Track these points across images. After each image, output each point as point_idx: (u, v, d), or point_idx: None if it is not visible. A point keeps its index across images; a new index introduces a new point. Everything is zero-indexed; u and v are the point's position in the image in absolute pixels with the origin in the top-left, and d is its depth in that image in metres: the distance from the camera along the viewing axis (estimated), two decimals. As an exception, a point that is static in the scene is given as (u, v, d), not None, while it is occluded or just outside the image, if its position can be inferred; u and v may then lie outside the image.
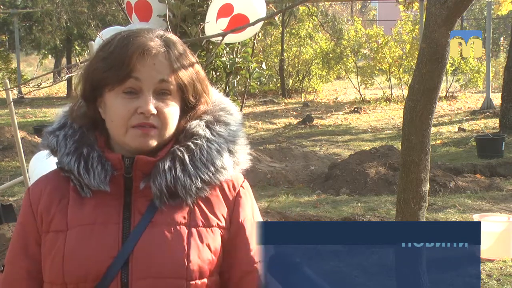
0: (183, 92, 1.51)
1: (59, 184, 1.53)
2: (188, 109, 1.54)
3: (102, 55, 1.49)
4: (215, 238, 1.51)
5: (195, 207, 1.51)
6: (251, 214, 1.58)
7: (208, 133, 1.53)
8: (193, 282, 1.46)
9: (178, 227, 1.48)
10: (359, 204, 7.61)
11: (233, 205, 1.55)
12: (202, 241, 1.48)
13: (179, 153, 1.50)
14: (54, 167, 1.57)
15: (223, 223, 1.53)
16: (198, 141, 1.51)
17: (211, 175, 1.51)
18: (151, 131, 1.46)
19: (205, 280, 1.49)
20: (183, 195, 1.48)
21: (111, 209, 1.49)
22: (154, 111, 1.46)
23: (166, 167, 1.48)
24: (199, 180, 1.49)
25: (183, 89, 1.51)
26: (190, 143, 1.51)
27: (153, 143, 1.48)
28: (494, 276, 5.29)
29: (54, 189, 1.53)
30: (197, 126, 1.53)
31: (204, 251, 1.48)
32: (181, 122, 1.53)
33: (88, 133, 1.53)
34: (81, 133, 1.53)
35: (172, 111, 1.49)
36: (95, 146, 1.51)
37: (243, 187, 1.59)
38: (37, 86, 3.68)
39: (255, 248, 1.55)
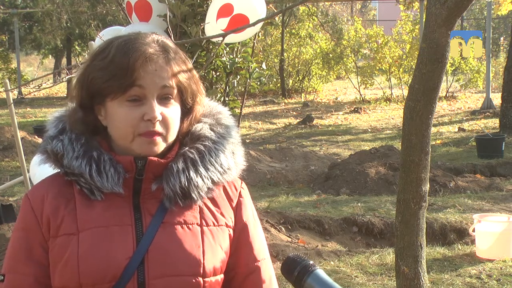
0: (182, 94, 1.54)
1: (62, 188, 1.53)
2: (186, 111, 1.56)
3: (99, 64, 1.48)
4: (224, 237, 1.55)
5: (204, 207, 1.54)
6: (252, 214, 1.63)
7: (213, 135, 1.57)
8: (208, 279, 1.49)
9: (190, 226, 1.51)
10: (359, 204, 7.61)
11: (237, 206, 1.60)
12: (214, 240, 1.52)
13: (190, 154, 1.53)
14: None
15: (230, 223, 1.57)
16: (206, 143, 1.55)
17: (219, 175, 1.55)
18: (157, 138, 1.48)
19: (218, 277, 1.52)
20: (195, 195, 1.51)
21: (122, 211, 1.50)
22: (160, 117, 1.47)
23: (180, 168, 1.51)
24: (210, 180, 1.53)
25: (182, 92, 1.53)
26: (199, 145, 1.54)
27: (159, 149, 1.50)
28: (494, 276, 5.28)
29: (58, 193, 1.52)
30: (203, 129, 1.56)
31: (217, 249, 1.52)
32: (183, 124, 1.55)
33: (91, 138, 1.54)
34: (86, 137, 1.54)
35: (175, 115, 1.51)
36: (102, 149, 1.52)
37: (243, 188, 1.64)
38: (37, 87, 3.69)
39: (258, 247, 1.60)
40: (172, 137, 1.51)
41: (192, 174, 1.51)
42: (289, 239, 6.36)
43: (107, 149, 1.53)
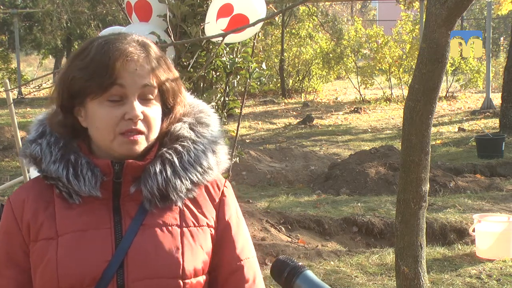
0: (163, 94, 1.53)
1: (42, 192, 1.52)
2: (167, 111, 1.55)
3: (79, 64, 1.47)
4: (206, 237, 1.53)
5: (184, 208, 1.53)
6: (236, 213, 1.61)
7: (193, 135, 1.55)
8: (188, 281, 1.48)
9: (170, 228, 1.50)
10: (359, 204, 7.61)
11: (219, 205, 1.58)
12: (194, 241, 1.51)
13: (168, 155, 1.51)
14: None
15: (211, 223, 1.55)
16: (185, 143, 1.54)
17: (199, 176, 1.53)
18: (138, 138, 1.47)
19: (199, 278, 1.51)
20: (173, 196, 1.50)
21: (101, 214, 1.49)
22: (141, 116, 1.46)
23: (157, 170, 1.49)
24: (188, 181, 1.51)
25: (163, 92, 1.52)
26: (177, 146, 1.53)
27: (140, 148, 1.49)
28: (494, 276, 5.29)
29: (38, 197, 1.52)
30: (182, 128, 1.55)
31: (197, 250, 1.50)
32: (163, 124, 1.54)
33: (70, 141, 1.53)
34: (65, 140, 1.53)
35: (156, 114, 1.51)
36: (80, 153, 1.51)
37: (226, 187, 1.61)
38: (37, 87, 3.70)
39: (241, 246, 1.58)
40: (153, 136, 1.51)
41: (170, 175, 1.49)
42: (289, 239, 6.36)
43: (86, 152, 1.52)
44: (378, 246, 6.44)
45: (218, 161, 1.58)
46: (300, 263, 1.44)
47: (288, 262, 1.43)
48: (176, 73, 1.57)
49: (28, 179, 4.99)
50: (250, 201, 8.01)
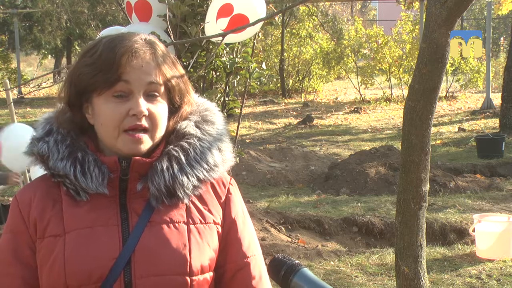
0: (170, 92, 1.54)
1: (49, 190, 1.53)
2: (174, 109, 1.56)
3: (87, 61, 1.49)
4: (212, 235, 1.54)
5: (191, 205, 1.54)
6: (241, 211, 1.62)
7: (198, 133, 1.56)
8: (195, 278, 1.49)
9: (177, 225, 1.51)
10: (359, 204, 7.61)
11: (225, 202, 1.59)
12: (201, 238, 1.51)
13: (174, 153, 1.52)
14: None
15: (218, 220, 1.56)
16: (191, 141, 1.55)
17: (205, 173, 1.54)
18: (142, 137, 1.48)
19: (206, 275, 1.51)
20: (180, 193, 1.51)
21: (108, 211, 1.50)
22: (146, 112, 1.47)
23: (164, 167, 1.50)
24: (195, 178, 1.53)
25: (169, 90, 1.53)
26: (183, 143, 1.54)
27: (145, 147, 1.49)
28: (494, 276, 5.29)
29: (45, 195, 1.52)
30: (188, 126, 1.56)
31: (204, 247, 1.51)
32: (169, 123, 1.55)
33: (77, 138, 1.54)
34: (72, 138, 1.54)
35: (162, 112, 1.51)
36: (88, 150, 1.52)
37: (232, 184, 1.62)
38: (37, 87, 3.70)
39: (247, 243, 1.59)
40: (159, 134, 1.51)
41: (177, 172, 1.50)
42: (289, 239, 6.36)
43: (94, 150, 1.53)
44: (378, 246, 6.44)
45: (224, 159, 1.59)
46: (296, 261, 1.45)
47: (285, 261, 1.44)
48: (183, 72, 1.58)
49: (28, 179, 5.00)
50: (250, 201, 8.01)
